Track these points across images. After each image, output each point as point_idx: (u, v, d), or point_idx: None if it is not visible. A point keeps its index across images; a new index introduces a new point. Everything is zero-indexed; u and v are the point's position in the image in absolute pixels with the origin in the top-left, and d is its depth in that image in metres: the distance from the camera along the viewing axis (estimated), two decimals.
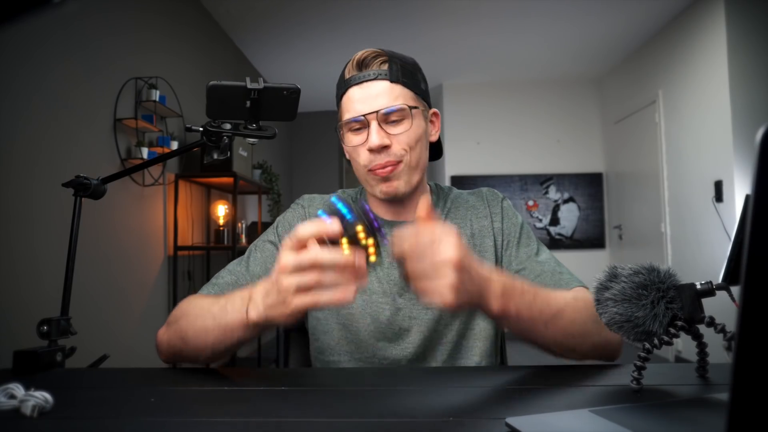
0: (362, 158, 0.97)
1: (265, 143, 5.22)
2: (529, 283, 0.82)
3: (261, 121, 0.95)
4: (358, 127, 0.97)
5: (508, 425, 0.55)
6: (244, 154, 3.91)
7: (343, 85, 0.99)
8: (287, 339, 1.19)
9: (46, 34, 2.31)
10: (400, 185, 0.97)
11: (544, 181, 5.99)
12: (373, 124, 0.95)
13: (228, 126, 0.96)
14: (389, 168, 0.96)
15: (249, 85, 0.90)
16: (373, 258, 0.66)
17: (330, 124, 7.25)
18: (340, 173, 7.21)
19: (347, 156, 1.05)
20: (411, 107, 0.96)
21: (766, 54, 3.66)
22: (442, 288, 0.66)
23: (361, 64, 0.97)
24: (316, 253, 0.64)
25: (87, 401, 0.72)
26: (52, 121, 2.35)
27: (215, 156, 1.00)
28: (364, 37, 4.77)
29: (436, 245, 0.67)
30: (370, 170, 0.97)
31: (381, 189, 0.98)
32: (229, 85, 0.90)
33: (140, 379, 0.84)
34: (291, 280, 0.65)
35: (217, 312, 0.81)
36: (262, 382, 0.80)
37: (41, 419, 0.62)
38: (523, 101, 6.02)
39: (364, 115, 0.95)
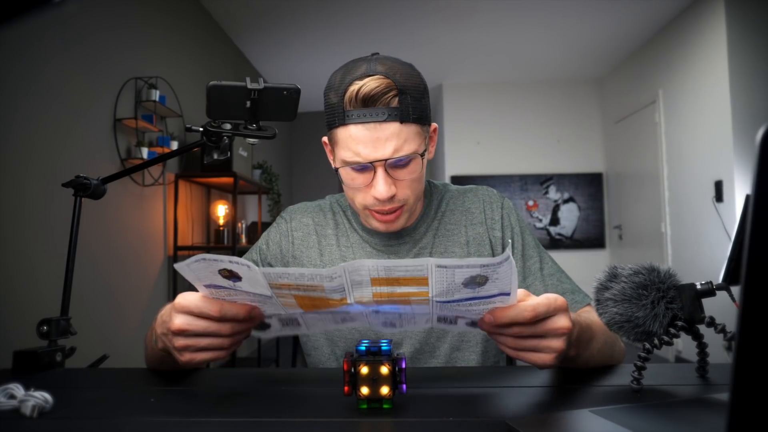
0: (363, 199, 0.91)
1: (265, 143, 5.22)
2: (585, 319, 0.76)
3: (261, 121, 0.95)
4: (360, 168, 0.88)
5: (508, 425, 0.55)
6: (244, 154, 3.91)
7: (342, 115, 0.86)
8: (296, 340, 1.19)
9: (46, 34, 2.31)
10: (399, 223, 0.95)
11: (544, 181, 5.99)
12: (380, 171, 0.87)
13: (228, 126, 0.96)
14: (393, 215, 0.92)
15: (249, 85, 0.90)
16: (386, 405, 0.64)
17: None
18: None
19: (335, 165, 0.96)
20: (421, 154, 0.89)
21: (766, 54, 3.66)
22: (551, 352, 0.64)
23: (368, 100, 0.84)
24: (196, 323, 0.66)
25: (87, 401, 0.72)
26: (52, 121, 2.35)
27: (215, 156, 1.00)
28: (363, 38, 4.77)
29: (551, 316, 0.64)
30: (369, 210, 0.92)
31: (379, 226, 0.95)
32: (229, 85, 0.90)
33: (140, 379, 0.84)
34: (179, 342, 0.67)
35: (151, 335, 0.80)
36: (262, 382, 0.80)
37: (41, 419, 0.62)
38: (523, 101, 6.02)
39: (371, 162, 0.85)
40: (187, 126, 1.04)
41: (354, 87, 0.85)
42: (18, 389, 0.65)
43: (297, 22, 4.42)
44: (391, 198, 0.89)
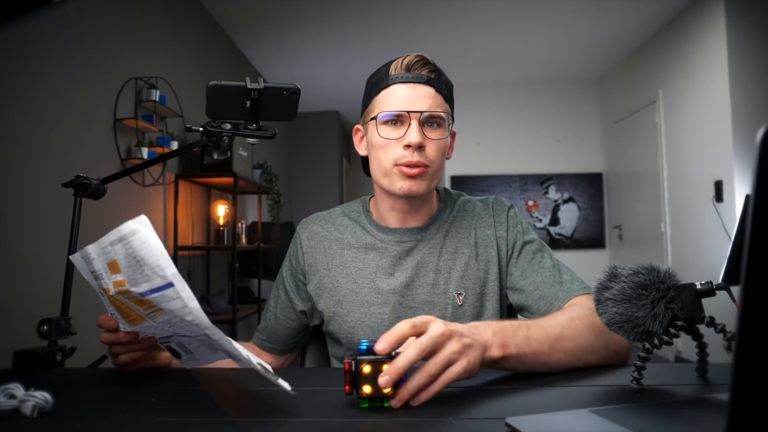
0: (393, 153, 0.98)
1: (265, 143, 5.21)
2: (519, 320, 0.81)
3: (261, 121, 0.95)
4: (395, 121, 0.98)
5: (508, 425, 0.55)
6: (244, 154, 3.91)
7: (386, 80, 1.00)
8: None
9: (47, 35, 2.31)
10: (421, 187, 0.99)
11: (544, 181, 5.99)
12: (414, 123, 0.96)
13: (228, 126, 0.96)
14: (418, 170, 0.97)
15: (249, 85, 0.90)
16: (387, 404, 0.64)
17: (330, 124, 7.26)
18: (340, 173, 7.21)
19: (362, 152, 1.07)
20: (450, 116, 1.01)
21: (766, 54, 3.66)
22: (456, 358, 0.66)
23: (410, 67, 0.99)
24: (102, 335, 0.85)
25: (87, 401, 0.72)
26: (53, 122, 2.35)
27: (215, 156, 1.00)
28: (364, 38, 4.77)
29: (420, 329, 0.67)
30: (398, 165, 0.97)
31: (402, 186, 0.98)
32: (229, 85, 0.90)
33: (140, 379, 0.84)
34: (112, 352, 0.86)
35: None
36: (262, 382, 0.80)
37: (41, 419, 0.62)
38: (523, 101, 6.02)
39: (408, 112, 0.96)
40: (187, 126, 1.04)
41: (398, 60, 1.00)
42: (18, 389, 0.65)
43: (297, 22, 4.42)
44: (421, 150, 0.96)
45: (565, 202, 5.98)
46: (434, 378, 0.64)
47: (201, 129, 0.98)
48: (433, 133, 0.98)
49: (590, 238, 5.94)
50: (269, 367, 0.67)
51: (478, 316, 1.01)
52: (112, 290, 0.70)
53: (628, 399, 0.66)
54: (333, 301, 1.04)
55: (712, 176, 3.94)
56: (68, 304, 0.97)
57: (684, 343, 4.38)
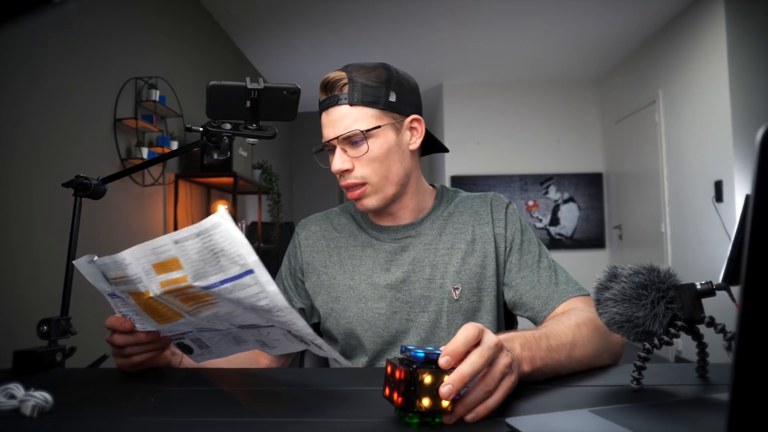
0: (337, 178, 1.02)
1: (265, 143, 5.21)
2: (535, 329, 0.78)
3: (261, 121, 0.95)
4: (329, 150, 1.02)
5: (508, 425, 0.55)
6: (244, 154, 3.91)
7: (319, 109, 1.03)
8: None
9: (47, 34, 2.31)
10: (370, 203, 1.01)
11: (544, 181, 5.99)
12: (337, 149, 0.99)
13: (228, 126, 0.96)
14: (357, 192, 1.00)
15: (249, 85, 0.90)
16: (438, 419, 0.57)
17: None
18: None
19: None
20: (366, 130, 0.96)
21: (766, 54, 3.66)
22: (507, 375, 0.62)
23: (326, 88, 1.00)
24: (117, 338, 0.82)
25: (87, 401, 0.72)
26: (53, 121, 2.35)
27: (215, 156, 1.00)
28: (364, 38, 4.77)
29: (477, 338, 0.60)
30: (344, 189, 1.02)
31: (357, 205, 1.03)
32: (229, 85, 0.90)
33: (140, 379, 0.84)
34: (114, 350, 0.85)
35: None
36: (262, 382, 0.80)
37: (41, 419, 0.62)
38: (523, 101, 6.02)
39: (328, 141, 0.99)
40: (187, 126, 1.04)
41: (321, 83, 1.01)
42: (18, 389, 0.65)
43: (297, 21, 4.42)
44: (346, 173, 0.99)
45: (565, 202, 5.98)
46: (489, 393, 0.59)
47: (201, 129, 0.98)
48: (356, 151, 0.98)
49: (590, 238, 5.94)
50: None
51: (474, 310, 1.01)
52: (154, 291, 0.69)
53: (628, 399, 0.66)
54: (330, 297, 1.05)
55: (712, 176, 3.94)
56: (68, 304, 0.97)
57: (684, 343, 4.38)
